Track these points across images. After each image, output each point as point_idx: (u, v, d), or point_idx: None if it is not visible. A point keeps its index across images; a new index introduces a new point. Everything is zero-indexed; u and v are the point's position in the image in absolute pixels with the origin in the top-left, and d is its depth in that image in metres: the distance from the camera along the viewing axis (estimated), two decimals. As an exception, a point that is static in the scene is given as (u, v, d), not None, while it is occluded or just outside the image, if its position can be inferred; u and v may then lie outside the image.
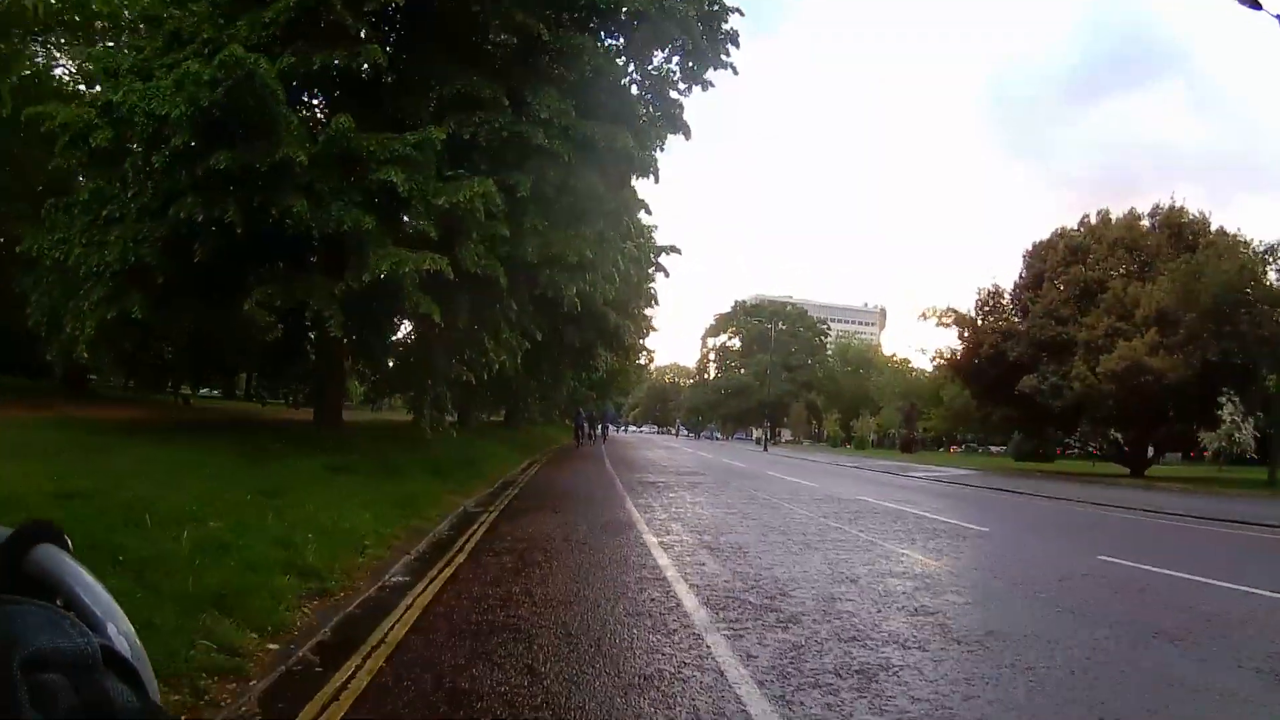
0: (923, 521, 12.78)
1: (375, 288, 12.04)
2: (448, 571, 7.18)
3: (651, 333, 37.24)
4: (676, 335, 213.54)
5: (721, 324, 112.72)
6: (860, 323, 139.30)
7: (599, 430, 49.66)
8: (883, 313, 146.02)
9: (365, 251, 11.88)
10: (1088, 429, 37.25)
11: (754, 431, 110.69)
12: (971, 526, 12.22)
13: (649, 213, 19.63)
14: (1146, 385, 29.90)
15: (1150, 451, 38.76)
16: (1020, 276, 43.40)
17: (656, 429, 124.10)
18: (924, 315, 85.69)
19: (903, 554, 9.21)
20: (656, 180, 16.87)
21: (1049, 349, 37.26)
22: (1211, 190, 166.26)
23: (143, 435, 13.34)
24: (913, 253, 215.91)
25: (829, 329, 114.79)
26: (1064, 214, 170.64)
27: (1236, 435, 30.42)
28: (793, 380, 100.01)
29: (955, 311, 43.06)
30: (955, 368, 43.48)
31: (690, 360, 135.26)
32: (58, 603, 0.58)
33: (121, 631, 0.62)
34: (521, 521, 10.84)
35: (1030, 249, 43.23)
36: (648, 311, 34.76)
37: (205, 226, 12.10)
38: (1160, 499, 19.67)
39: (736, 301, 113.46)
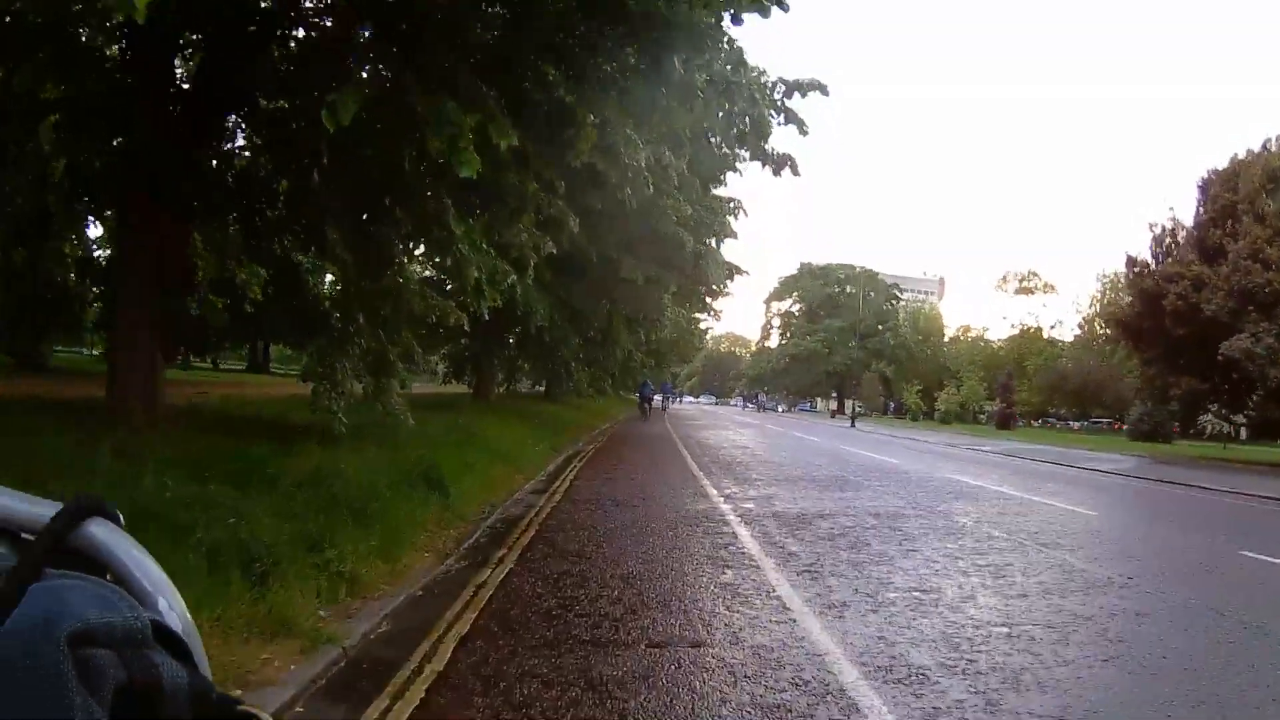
0: None
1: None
2: None
3: (737, 276, 26.98)
4: (731, 303, 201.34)
5: (786, 287, 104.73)
6: (920, 291, 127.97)
7: (661, 403, 44.77)
8: (941, 282, 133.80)
9: None
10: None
11: (818, 403, 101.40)
12: None
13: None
14: None
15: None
16: (1200, 212, 32.99)
17: (714, 400, 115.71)
18: (1005, 280, 75.71)
19: None
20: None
21: (1255, 301, 27.29)
22: None
23: None
24: (968, 222, 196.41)
25: (901, 294, 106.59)
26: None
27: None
28: (863, 348, 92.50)
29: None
30: (1125, 327, 33.18)
31: (746, 329, 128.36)
32: (107, 578, 0.55)
33: (173, 606, 0.58)
34: None
35: (1210, 176, 32.85)
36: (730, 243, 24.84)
37: None
38: None
39: (803, 263, 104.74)
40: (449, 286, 12.34)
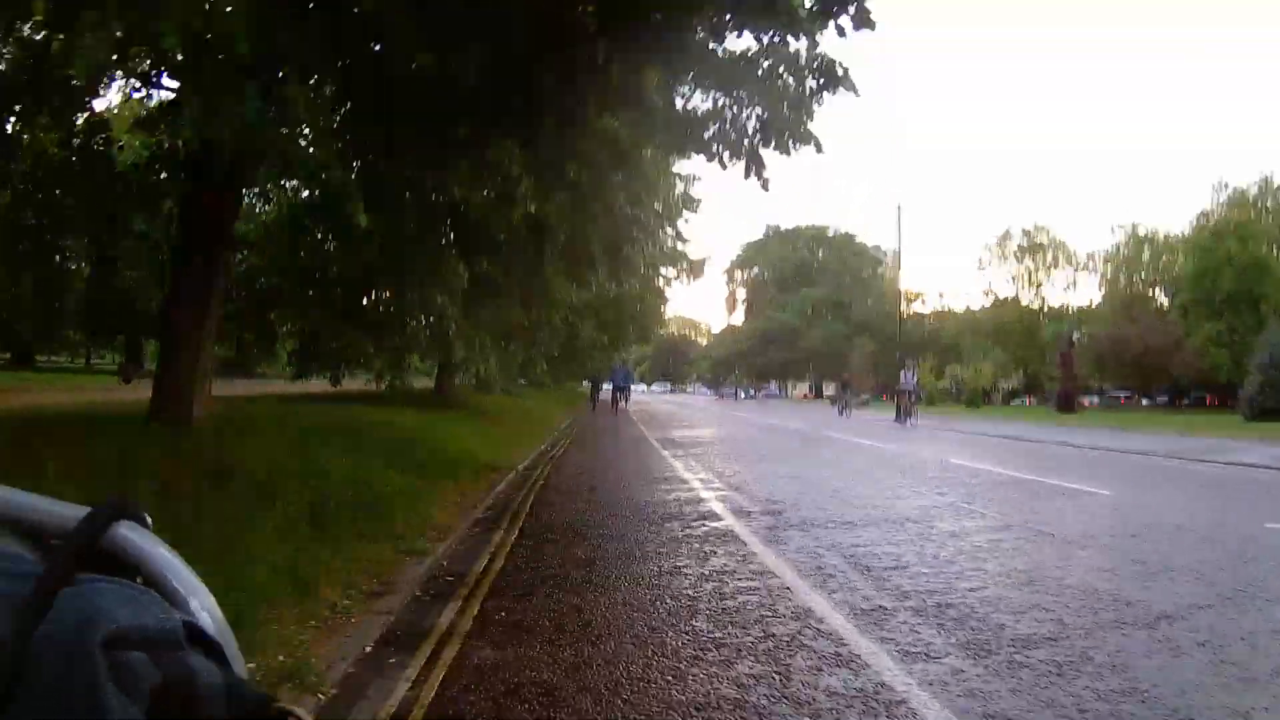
0: None
1: None
2: None
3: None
4: (680, 285, 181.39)
5: (751, 254, 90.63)
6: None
7: (624, 395, 34.24)
8: (896, 255, 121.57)
9: None
10: None
11: (790, 388, 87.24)
12: None
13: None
14: None
15: None
16: None
17: (669, 388, 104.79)
18: (1005, 237, 62.45)
19: None
20: None
21: None
22: None
23: None
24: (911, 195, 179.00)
25: (885, 256, 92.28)
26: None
27: None
28: (845, 321, 77.19)
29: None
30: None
31: (695, 312, 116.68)
32: (138, 580, 0.56)
33: (204, 607, 0.59)
34: None
35: None
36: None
37: None
38: None
39: (769, 225, 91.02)
40: None
